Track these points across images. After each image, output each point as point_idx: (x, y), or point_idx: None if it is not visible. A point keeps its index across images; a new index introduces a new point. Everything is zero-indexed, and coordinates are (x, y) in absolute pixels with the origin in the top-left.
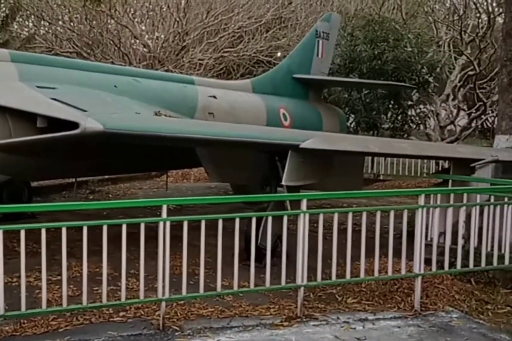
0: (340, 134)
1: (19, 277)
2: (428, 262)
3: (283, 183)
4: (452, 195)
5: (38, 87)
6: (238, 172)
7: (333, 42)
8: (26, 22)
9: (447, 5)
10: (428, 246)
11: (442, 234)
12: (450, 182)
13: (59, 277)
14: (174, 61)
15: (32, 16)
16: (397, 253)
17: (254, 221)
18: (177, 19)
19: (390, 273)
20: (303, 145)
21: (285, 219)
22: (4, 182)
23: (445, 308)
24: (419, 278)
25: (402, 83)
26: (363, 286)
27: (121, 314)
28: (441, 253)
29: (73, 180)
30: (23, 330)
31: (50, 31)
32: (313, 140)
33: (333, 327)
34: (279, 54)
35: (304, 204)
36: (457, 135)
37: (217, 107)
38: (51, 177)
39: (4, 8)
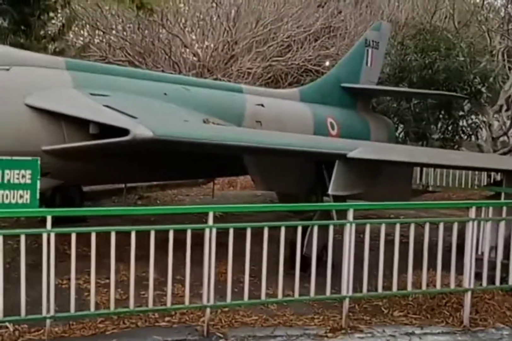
0: (388, 144)
1: (69, 279)
2: (478, 276)
3: (330, 192)
4: (504, 208)
5: (91, 94)
6: (285, 180)
7: (382, 51)
8: (81, 31)
9: (502, 14)
10: (479, 260)
11: (493, 248)
12: (502, 194)
13: (107, 281)
14: (223, 70)
15: (87, 26)
16: (446, 266)
17: (299, 229)
18: (227, 28)
19: (438, 286)
20: (351, 154)
21: (331, 228)
22: (57, 186)
23: (495, 324)
24: (469, 293)
25: (453, 93)
26: (410, 299)
27: (167, 319)
28: (492, 268)
29: (123, 185)
30: (71, 331)
31: (104, 40)
32: (360, 150)
33: (379, 340)
34: (327, 63)
35: (350, 214)
36: (510, 147)
37: (264, 116)
38: (101, 182)
39: (60, 18)
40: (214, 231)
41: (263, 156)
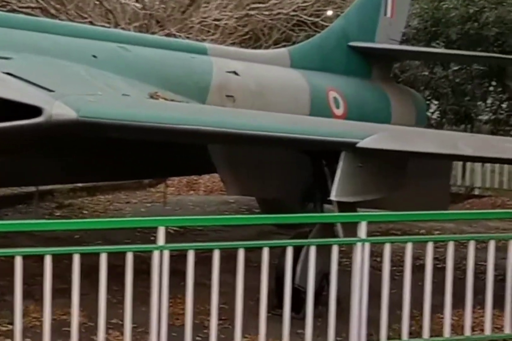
0: (417, 129)
1: None
2: None
3: (333, 197)
4: None
5: None
6: (268, 181)
7: None
8: None
9: None
10: None
11: None
12: None
13: (10, 327)
14: (179, 22)
15: None
16: (498, 303)
17: (290, 251)
18: None
19: (488, 331)
20: (363, 143)
21: (335, 249)
22: None
23: None
24: None
25: (510, 56)
26: None
27: None
28: None
29: (34, 188)
30: None
31: None
32: (376, 137)
33: None
34: (329, 12)
35: (363, 229)
36: None
37: (239, 88)
38: (2, 184)
39: None
40: (166, 253)
41: (237, 147)
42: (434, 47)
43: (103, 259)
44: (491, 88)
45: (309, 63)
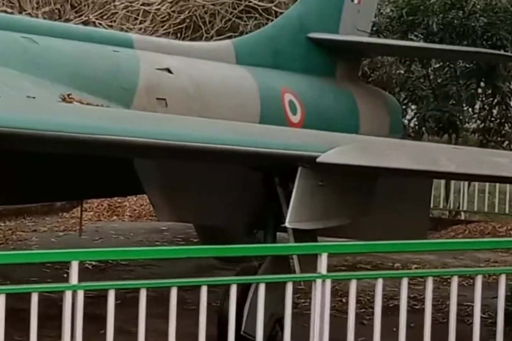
0: (390, 140)
1: None
2: None
3: (288, 224)
4: None
5: None
6: (208, 204)
7: None
8: None
9: None
10: None
11: None
12: None
13: None
14: (99, 7)
15: None
16: None
17: (235, 291)
18: None
19: None
20: (324, 158)
21: (289, 287)
22: None
23: None
24: None
25: (500, 51)
26: None
27: None
28: None
29: None
30: None
31: None
32: (341, 150)
33: None
34: None
35: (324, 262)
36: None
37: (172, 89)
38: None
39: None
40: (80, 294)
41: (170, 163)
42: (411, 40)
43: (1, 301)
44: (479, 91)
45: (259, 58)
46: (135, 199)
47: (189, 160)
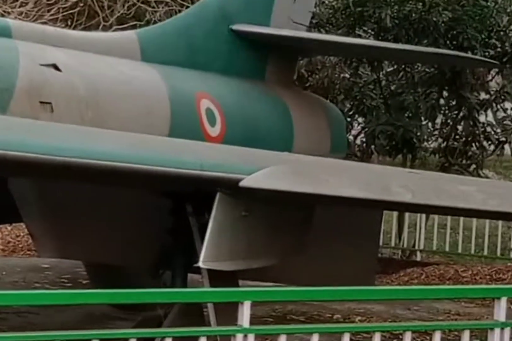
0: (331, 161)
1: None
2: None
3: (201, 263)
4: None
5: None
6: (101, 238)
7: None
8: None
9: None
10: None
11: None
12: None
13: None
14: None
15: None
16: None
17: None
18: None
19: None
20: (248, 181)
21: None
22: None
23: None
24: None
25: (467, 54)
26: None
27: None
28: None
29: None
30: None
31: None
32: (269, 172)
33: None
34: None
35: (246, 312)
36: None
37: (60, 91)
38: None
39: None
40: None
41: (53, 184)
42: (359, 36)
43: None
44: (441, 102)
45: (170, 55)
46: (9, 228)
47: (77, 182)
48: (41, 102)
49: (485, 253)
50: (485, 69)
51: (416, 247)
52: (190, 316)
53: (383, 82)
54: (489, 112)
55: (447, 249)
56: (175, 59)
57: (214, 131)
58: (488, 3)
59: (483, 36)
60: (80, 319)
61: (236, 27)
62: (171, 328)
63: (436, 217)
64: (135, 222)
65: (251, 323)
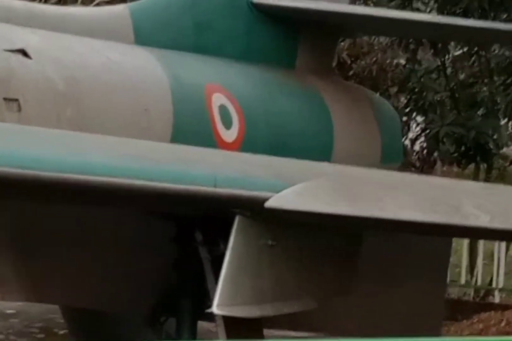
0: (384, 172)
1: None
2: None
3: (216, 308)
4: None
5: None
6: (82, 275)
7: None
8: None
9: None
10: None
11: None
12: None
13: None
14: None
15: None
16: None
17: None
18: None
19: None
20: (277, 201)
21: None
22: None
23: None
24: None
25: None
26: None
27: None
28: None
29: None
30: None
31: None
32: (304, 189)
33: None
34: None
35: None
36: None
37: (30, 84)
38: None
39: None
40: None
41: (24, 203)
42: (417, 10)
43: None
44: None
45: (172, 35)
46: None
47: (52, 203)
48: (5, 98)
49: None
50: None
51: (494, 285)
52: None
53: (449, 70)
54: None
55: None
56: (178, 41)
57: (230, 135)
58: None
59: None
60: None
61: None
62: None
63: None
64: (128, 254)
65: None
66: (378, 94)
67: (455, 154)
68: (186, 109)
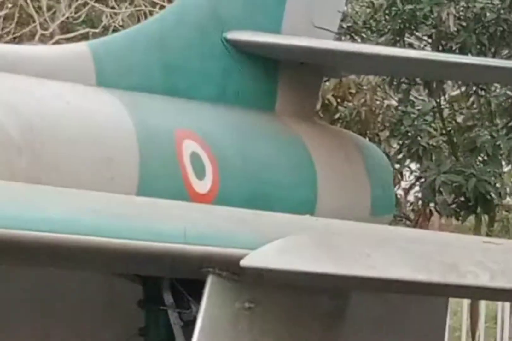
0: (373, 226)
1: None
2: None
3: None
4: None
5: None
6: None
7: None
8: None
9: None
10: None
11: None
12: None
13: None
14: None
15: None
16: None
17: None
18: None
19: None
20: (253, 259)
21: None
22: None
23: None
24: None
25: None
26: None
27: None
28: None
29: None
30: None
31: None
32: (284, 245)
33: None
34: None
35: None
36: None
37: None
38: None
39: None
40: None
41: None
42: (410, 46)
43: None
44: None
45: (138, 76)
46: None
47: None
48: None
49: None
50: None
51: None
52: None
53: (446, 112)
54: None
55: None
56: (145, 82)
57: (203, 186)
58: None
59: None
60: None
61: (232, 35)
62: None
63: None
64: (89, 319)
65: None
66: (367, 139)
67: (453, 206)
68: (154, 157)
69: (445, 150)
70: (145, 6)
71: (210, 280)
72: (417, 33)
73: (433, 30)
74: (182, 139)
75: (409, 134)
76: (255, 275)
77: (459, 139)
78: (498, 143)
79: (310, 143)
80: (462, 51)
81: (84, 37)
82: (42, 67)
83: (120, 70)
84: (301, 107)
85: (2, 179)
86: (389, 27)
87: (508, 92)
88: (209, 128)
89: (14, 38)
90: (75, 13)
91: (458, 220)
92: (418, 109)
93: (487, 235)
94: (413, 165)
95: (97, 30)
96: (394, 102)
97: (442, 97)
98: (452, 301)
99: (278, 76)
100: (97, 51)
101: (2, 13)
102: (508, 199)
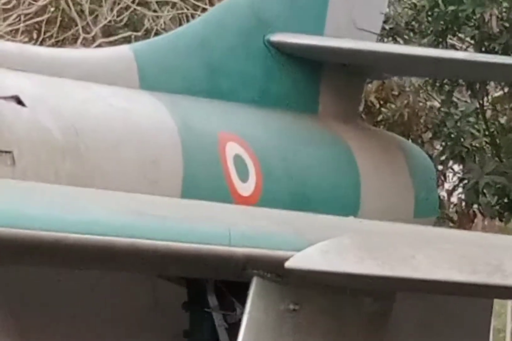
0: (417, 228)
1: None
2: None
3: None
4: None
5: None
6: None
7: None
8: None
9: None
10: None
11: None
12: None
13: None
14: None
15: None
16: None
17: None
18: None
19: None
20: (297, 260)
21: None
22: None
23: None
24: None
25: None
26: None
27: None
28: None
29: None
30: None
31: None
32: (329, 247)
33: None
34: None
35: None
36: None
37: (24, 134)
38: None
39: None
40: None
41: (11, 267)
42: (453, 47)
43: None
44: None
45: (181, 79)
46: None
47: (45, 263)
48: None
49: None
50: None
51: None
52: None
53: (489, 113)
54: None
55: None
56: (188, 85)
57: (247, 188)
58: None
59: None
60: None
61: (275, 37)
62: None
63: None
64: (133, 322)
65: None
66: (410, 141)
67: (497, 207)
68: (198, 160)
69: (488, 151)
70: (187, 9)
71: (254, 282)
72: (459, 35)
73: (476, 32)
74: (226, 142)
75: (452, 135)
76: (300, 277)
77: (502, 140)
78: None
79: (353, 146)
80: (505, 52)
81: (126, 40)
82: (85, 71)
83: (163, 73)
84: (343, 110)
85: (47, 181)
86: (431, 28)
87: None
88: (251, 130)
89: (57, 42)
90: (117, 16)
91: (501, 221)
92: (461, 111)
93: None
94: (456, 167)
95: (139, 34)
96: (437, 104)
97: (485, 99)
98: (496, 302)
99: (321, 79)
100: (140, 54)
101: (45, 17)
102: None
